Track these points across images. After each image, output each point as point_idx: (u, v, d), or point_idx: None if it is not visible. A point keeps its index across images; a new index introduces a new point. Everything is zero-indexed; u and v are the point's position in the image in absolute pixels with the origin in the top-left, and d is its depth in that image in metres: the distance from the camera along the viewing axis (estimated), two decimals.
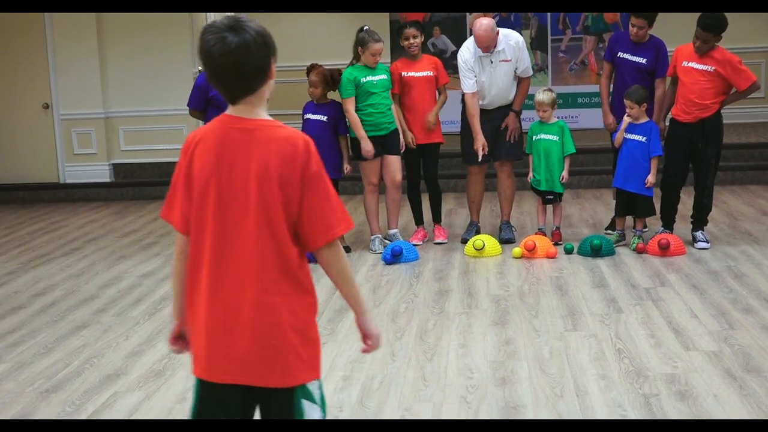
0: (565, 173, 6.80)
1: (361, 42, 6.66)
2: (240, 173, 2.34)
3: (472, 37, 6.79)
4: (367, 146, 6.70)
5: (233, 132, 2.37)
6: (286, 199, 2.34)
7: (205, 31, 2.35)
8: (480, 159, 6.86)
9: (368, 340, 2.55)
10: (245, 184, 2.33)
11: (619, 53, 6.83)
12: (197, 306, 2.40)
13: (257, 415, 2.50)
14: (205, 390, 2.44)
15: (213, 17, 10.76)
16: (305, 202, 2.35)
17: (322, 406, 2.46)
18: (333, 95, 6.90)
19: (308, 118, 6.81)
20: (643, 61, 6.73)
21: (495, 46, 6.73)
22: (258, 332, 2.34)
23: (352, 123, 6.73)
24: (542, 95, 6.85)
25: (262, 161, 2.33)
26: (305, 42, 11.57)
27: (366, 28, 6.72)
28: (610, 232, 7.01)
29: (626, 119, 6.55)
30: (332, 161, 6.77)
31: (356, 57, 6.73)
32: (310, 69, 6.82)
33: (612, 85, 7.02)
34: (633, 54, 6.77)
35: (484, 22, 6.62)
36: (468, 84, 6.79)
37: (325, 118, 6.80)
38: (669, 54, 6.72)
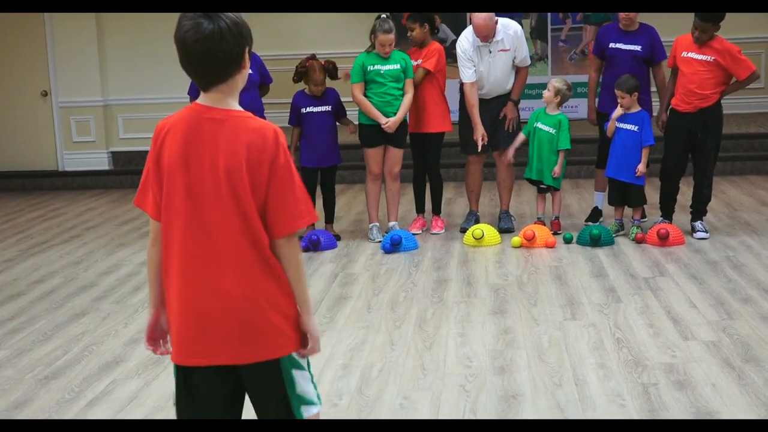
0: (557, 168, 6.77)
1: (372, 31, 6.64)
2: (208, 163, 2.36)
3: (471, 26, 6.77)
4: (382, 120, 6.65)
5: (203, 122, 2.38)
6: (255, 189, 2.36)
7: (182, 17, 2.38)
8: (479, 149, 6.85)
9: (309, 342, 2.54)
10: (214, 174, 2.35)
11: (611, 44, 6.79)
12: (172, 292, 2.44)
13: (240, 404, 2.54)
14: (185, 376, 2.49)
15: None
16: (271, 193, 2.38)
17: (309, 369, 2.54)
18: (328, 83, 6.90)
19: (311, 112, 6.78)
20: (638, 48, 6.71)
21: (493, 36, 6.72)
22: (238, 315, 2.39)
23: (363, 107, 6.70)
24: (555, 80, 6.84)
25: (231, 151, 2.35)
26: (305, 31, 11.55)
27: (382, 16, 6.66)
28: (589, 223, 7.03)
29: (618, 110, 6.54)
30: (335, 148, 6.87)
31: (373, 45, 6.69)
32: (305, 69, 6.73)
33: (602, 77, 7.00)
34: (626, 42, 6.74)
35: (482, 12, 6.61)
36: (467, 74, 6.77)
37: (329, 108, 6.82)
38: (668, 43, 6.69)
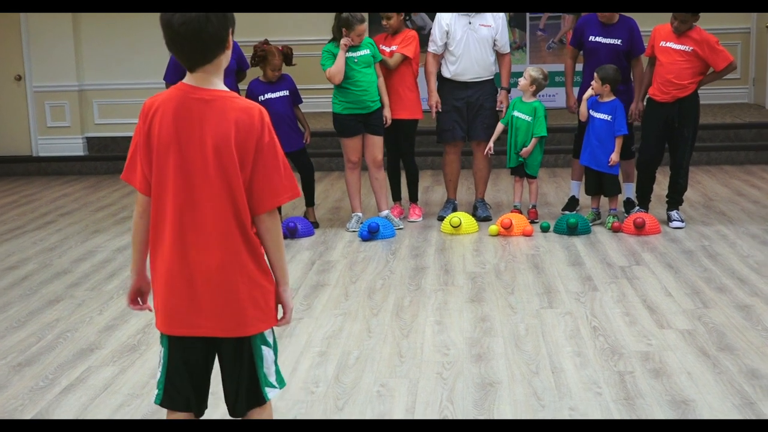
0: (525, 149, 6.79)
1: (346, 25, 6.53)
2: (198, 141, 2.47)
3: None
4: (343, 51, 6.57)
5: (191, 102, 2.49)
6: (242, 166, 2.48)
7: None
8: (433, 115, 6.91)
9: (284, 313, 2.70)
10: (203, 152, 2.46)
11: (591, 38, 6.77)
12: (159, 264, 2.55)
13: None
14: (172, 343, 2.61)
15: None
16: (257, 169, 2.50)
17: (275, 348, 2.69)
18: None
19: (269, 98, 6.67)
20: (618, 42, 6.69)
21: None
22: (222, 288, 2.52)
23: (337, 62, 6.53)
24: (531, 69, 6.86)
25: (219, 130, 2.46)
26: (279, 18, 11.46)
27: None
28: (566, 212, 7.04)
29: (589, 91, 6.55)
30: (298, 132, 6.82)
31: (336, 37, 6.62)
32: (264, 53, 6.65)
33: (583, 70, 6.98)
34: (605, 36, 6.71)
35: None
36: (434, 45, 6.87)
37: (287, 93, 6.76)
38: (646, 34, 6.70)
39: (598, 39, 6.73)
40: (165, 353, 2.64)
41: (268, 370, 2.65)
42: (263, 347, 2.62)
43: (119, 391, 3.92)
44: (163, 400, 2.67)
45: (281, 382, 2.71)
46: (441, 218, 7.00)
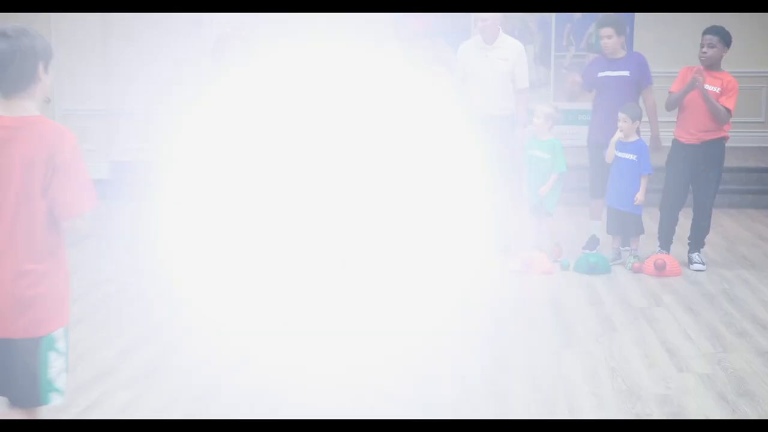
0: (544, 187, 6.76)
1: None
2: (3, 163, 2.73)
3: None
4: None
5: None
6: (42, 182, 2.78)
7: None
8: None
9: None
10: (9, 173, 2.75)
11: (599, 73, 6.83)
12: None
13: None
14: None
15: (220, 19, 10.72)
16: (54, 183, 2.81)
17: (66, 357, 2.91)
18: None
19: None
20: (627, 73, 6.74)
21: (494, 41, 6.88)
22: (12, 294, 2.73)
23: None
24: (544, 106, 6.88)
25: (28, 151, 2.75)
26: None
27: None
28: (587, 251, 6.99)
29: (617, 134, 6.54)
30: None
31: None
32: None
33: (592, 106, 7.03)
34: (613, 69, 6.77)
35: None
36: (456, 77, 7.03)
37: None
38: (660, 74, 6.70)
39: (607, 73, 6.79)
40: None
41: (53, 377, 2.90)
42: (50, 353, 2.83)
43: (135, 415, 3.93)
44: None
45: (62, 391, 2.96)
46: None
